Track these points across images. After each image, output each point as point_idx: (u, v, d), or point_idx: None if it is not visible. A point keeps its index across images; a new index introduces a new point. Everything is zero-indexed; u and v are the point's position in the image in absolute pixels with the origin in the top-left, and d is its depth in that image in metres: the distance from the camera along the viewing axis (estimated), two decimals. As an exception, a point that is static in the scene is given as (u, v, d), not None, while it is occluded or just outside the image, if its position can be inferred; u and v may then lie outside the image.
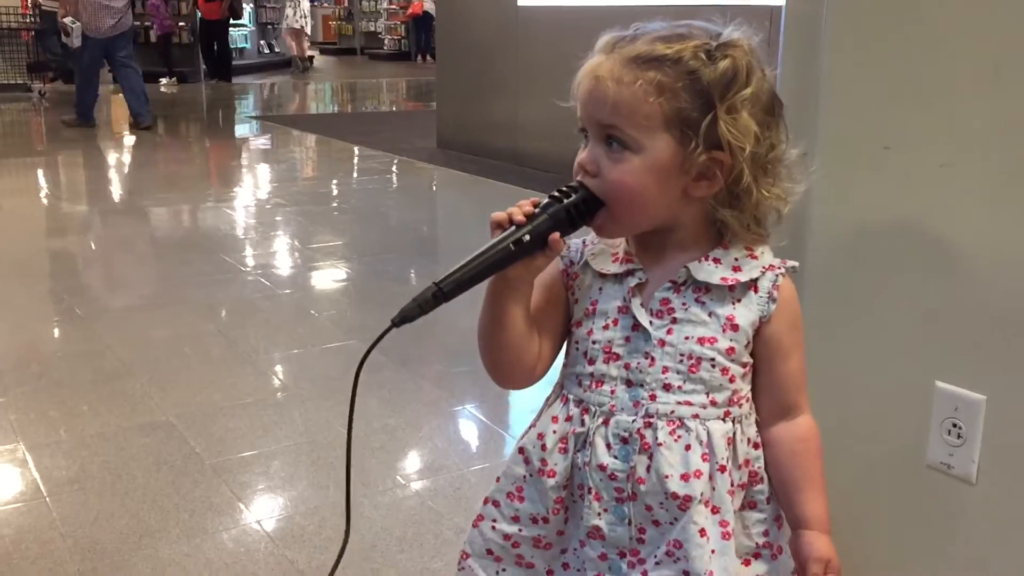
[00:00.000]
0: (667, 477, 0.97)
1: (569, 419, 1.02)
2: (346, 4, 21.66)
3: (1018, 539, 1.22)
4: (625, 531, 1.00)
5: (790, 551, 1.05)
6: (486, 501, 1.09)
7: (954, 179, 1.21)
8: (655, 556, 1.00)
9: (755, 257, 1.00)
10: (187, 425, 2.45)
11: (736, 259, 0.99)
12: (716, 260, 0.99)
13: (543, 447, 1.03)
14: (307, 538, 1.94)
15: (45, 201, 5.84)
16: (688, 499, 0.97)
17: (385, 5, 20.37)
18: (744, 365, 1.01)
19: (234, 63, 15.15)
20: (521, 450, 1.06)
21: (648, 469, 0.98)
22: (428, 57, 17.43)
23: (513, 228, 0.95)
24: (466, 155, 7.03)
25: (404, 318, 0.94)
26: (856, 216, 1.33)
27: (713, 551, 0.98)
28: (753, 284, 0.99)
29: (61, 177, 6.81)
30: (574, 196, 0.96)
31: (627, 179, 0.94)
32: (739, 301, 0.99)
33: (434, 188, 6.62)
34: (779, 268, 1.00)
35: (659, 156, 0.94)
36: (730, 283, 0.98)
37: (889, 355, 1.32)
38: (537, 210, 0.96)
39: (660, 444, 0.97)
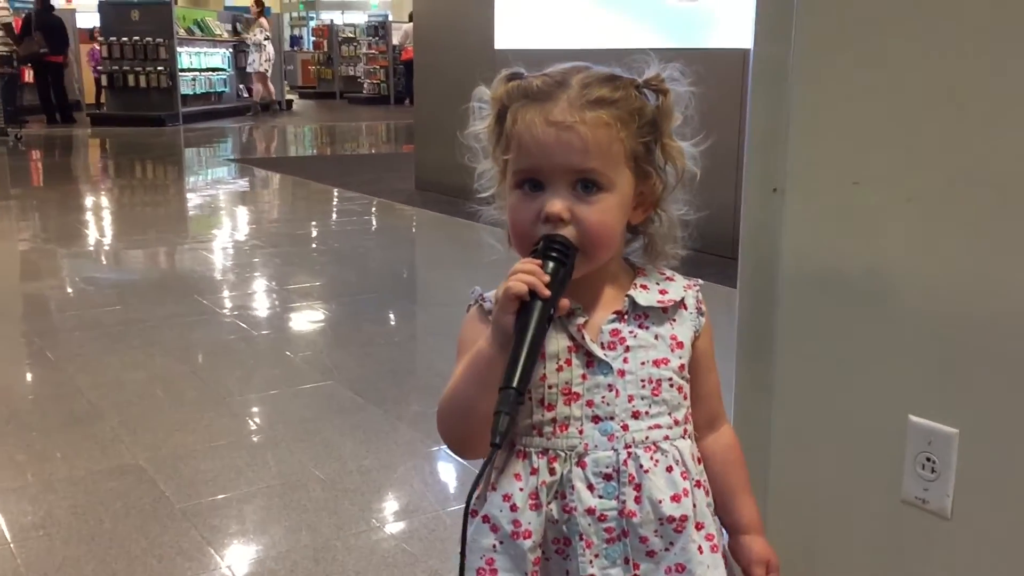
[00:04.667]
0: (660, 502, 0.97)
1: (535, 472, 0.98)
2: (326, 49, 21.82)
3: (993, 573, 1.21)
4: (620, 572, 0.98)
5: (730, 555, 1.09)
6: None
7: (921, 213, 1.22)
8: None
9: (671, 279, 1.06)
10: (157, 468, 2.41)
11: (657, 283, 1.04)
12: (644, 287, 1.03)
13: (512, 508, 0.98)
14: (278, 583, 1.90)
15: (19, 243, 5.79)
16: (684, 519, 0.97)
17: (364, 50, 20.52)
18: (688, 381, 1.04)
19: (213, 107, 15.18)
20: (485, 518, 1.00)
21: (637, 500, 0.97)
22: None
23: (540, 303, 0.92)
24: (444, 197, 7.04)
25: (502, 434, 0.89)
26: (827, 250, 1.34)
27: (708, 566, 0.99)
28: (682, 303, 1.04)
29: (36, 219, 6.76)
30: (569, 253, 0.94)
31: (607, 219, 0.96)
32: (674, 320, 1.03)
33: (413, 229, 6.63)
34: (695, 285, 1.07)
35: (625, 191, 0.98)
36: (665, 305, 1.02)
37: (861, 389, 1.32)
38: (549, 279, 0.93)
39: (646, 471, 0.97)
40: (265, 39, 15.88)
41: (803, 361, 1.39)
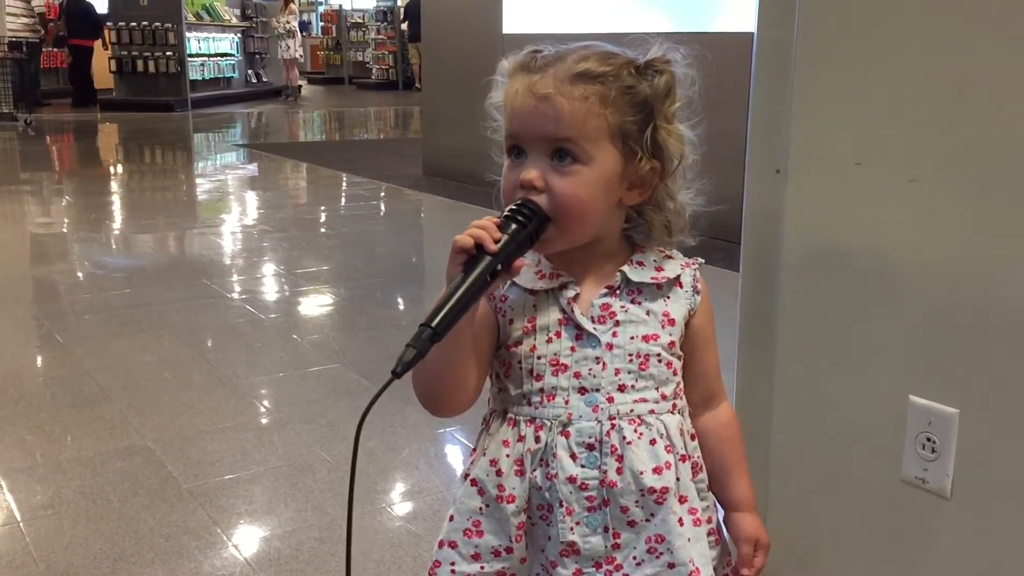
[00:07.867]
0: (641, 473, 0.98)
1: (521, 439, 1.01)
2: (334, 34, 21.78)
3: (992, 552, 1.22)
4: (600, 540, 1.00)
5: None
6: (441, 544, 1.05)
7: (923, 194, 1.22)
8: (634, 557, 1.00)
9: (670, 257, 1.07)
10: (165, 449, 2.43)
11: (655, 260, 1.05)
12: (640, 263, 1.04)
13: (498, 472, 1.01)
14: (284, 562, 1.91)
15: (28, 227, 5.82)
16: (665, 491, 0.99)
17: (373, 35, 20.48)
18: (680, 358, 1.05)
19: (222, 92, 15.18)
20: (473, 481, 1.03)
21: (619, 471, 0.98)
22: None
23: (487, 258, 0.93)
24: (452, 182, 7.05)
25: (405, 365, 0.89)
26: (829, 231, 1.34)
27: (689, 539, 1.00)
28: (677, 280, 1.05)
29: (45, 204, 6.79)
30: (533, 217, 0.95)
31: (579, 191, 0.96)
32: (669, 297, 1.04)
33: (420, 215, 6.63)
34: (694, 264, 1.07)
35: (606, 167, 0.97)
36: (659, 281, 1.04)
37: (863, 370, 1.32)
38: (504, 236, 0.94)
39: (629, 443, 0.99)
40: (296, 25, 16.04)
41: (804, 341, 1.39)
